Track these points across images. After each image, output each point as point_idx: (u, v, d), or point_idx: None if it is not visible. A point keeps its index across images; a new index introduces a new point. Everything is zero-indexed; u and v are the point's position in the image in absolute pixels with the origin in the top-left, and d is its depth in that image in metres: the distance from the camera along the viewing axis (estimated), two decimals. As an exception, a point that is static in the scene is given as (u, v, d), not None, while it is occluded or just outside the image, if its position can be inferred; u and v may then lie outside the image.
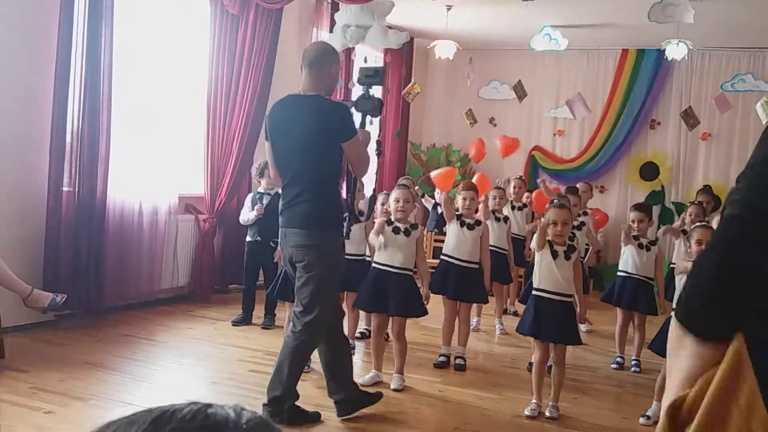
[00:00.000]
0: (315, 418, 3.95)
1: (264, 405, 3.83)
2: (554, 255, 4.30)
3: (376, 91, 4.15)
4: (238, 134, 6.86)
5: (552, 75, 10.12)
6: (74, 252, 5.53)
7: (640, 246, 5.36)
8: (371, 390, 4.30)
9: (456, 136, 10.49)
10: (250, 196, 6.08)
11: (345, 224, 4.06)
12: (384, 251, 4.67)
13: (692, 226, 4.68)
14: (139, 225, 6.09)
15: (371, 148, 4.08)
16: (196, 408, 0.67)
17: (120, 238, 5.92)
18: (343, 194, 4.30)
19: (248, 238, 6.04)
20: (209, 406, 0.68)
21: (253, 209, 5.92)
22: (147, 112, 6.08)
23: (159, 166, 6.23)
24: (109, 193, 5.75)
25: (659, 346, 4.30)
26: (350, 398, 4.02)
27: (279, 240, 3.98)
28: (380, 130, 4.07)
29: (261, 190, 5.99)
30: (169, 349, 5.25)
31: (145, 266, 6.19)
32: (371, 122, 4.08)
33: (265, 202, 5.90)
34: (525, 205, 7.01)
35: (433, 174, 7.98)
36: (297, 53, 7.96)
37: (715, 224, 5.04)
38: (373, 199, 4.38)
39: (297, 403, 3.91)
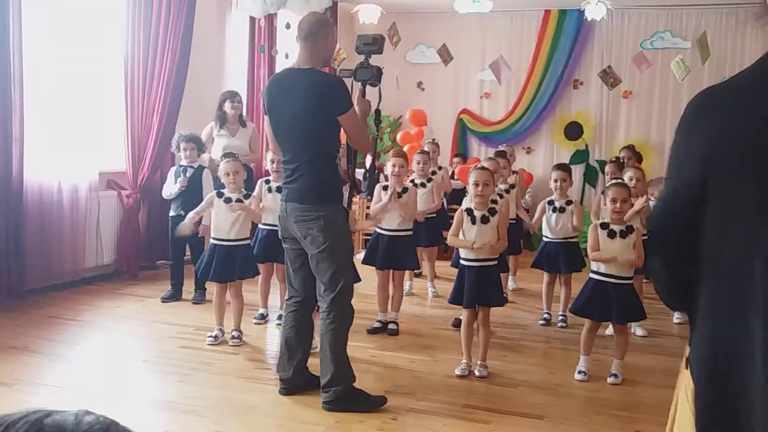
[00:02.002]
0: (378, 402, 3.83)
1: (321, 390, 3.80)
2: (473, 221, 4.37)
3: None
4: (159, 106, 6.68)
5: (477, 37, 10.15)
6: (-8, 234, 5.36)
7: (554, 209, 5.49)
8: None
9: (384, 101, 10.44)
10: (172, 169, 5.96)
11: (346, 196, 4.05)
12: None
13: (607, 185, 4.81)
14: (59, 204, 5.93)
15: (371, 119, 4.04)
16: (34, 418, 0.64)
17: (40, 218, 5.75)
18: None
19: (171, 213, 5.92)
20: (48, 414, 0.65)
21: (176, 182, 5.81)
22: (62, 89, 5.88)
23: (77, 143, 6.05)
24: (25, 173, 5.57)
25: (579, 308, 4.44)
26: (297, 381, 3.98)
27: (279, 214, 3.95)
28: (380, 99, 3.97)
29: (183, 163, 5.87)
30: (97, 329, 5.16)
31: (68, 245, 6.03)
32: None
33: (188, 174, 5.79)
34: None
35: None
36: (216, 21, 7.85)
37: (626, 178, 5.22)
38: (372, 168, 4.35)
39: (355, 384, 3.86)
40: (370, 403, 3.79)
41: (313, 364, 4.22)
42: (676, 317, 5.67)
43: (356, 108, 3.79)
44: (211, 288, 5.24)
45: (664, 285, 1.56)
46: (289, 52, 8.48)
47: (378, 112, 4.01)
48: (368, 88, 3.96)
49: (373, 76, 3.86)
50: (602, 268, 4.32)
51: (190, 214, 5.00)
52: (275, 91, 3.82)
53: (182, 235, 5.31)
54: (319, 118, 3.66)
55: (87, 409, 0.68)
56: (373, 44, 3.87)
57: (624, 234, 4.30)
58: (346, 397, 3.77)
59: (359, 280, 4.81)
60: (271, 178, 5.32)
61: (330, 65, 3.87)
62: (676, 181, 1.48)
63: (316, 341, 4.65)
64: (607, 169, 6.00)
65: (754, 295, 1.28)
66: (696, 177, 1.40)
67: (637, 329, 5.25)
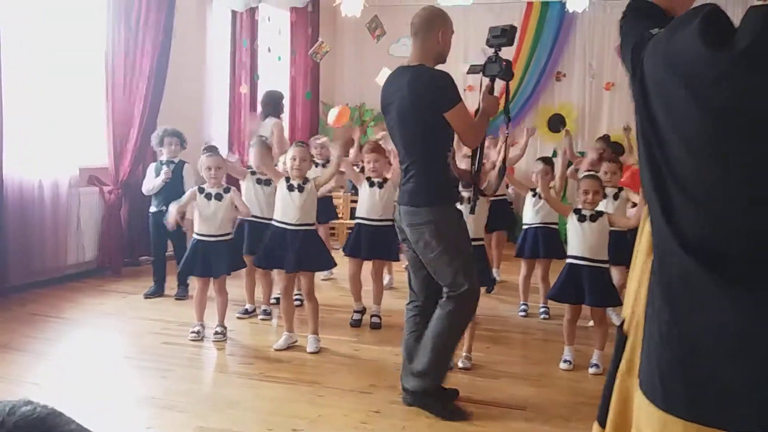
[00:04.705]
0: (458, 414, 3.66)
1: (410, 374, 3.70)
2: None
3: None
4: (140, 101, 6.64)
5: (460, 30, 10.07)
6: (-28, 232, 5.32)
7: (534, 194, 5.54)
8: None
9: (369, 95, 10.41)
10: (152, 165, 5.92)
11: (471, 198, 3.89)
12: (280, 210, 4.69)
13: (581, 176, 4.83)
14: (40, 200, 5.88)
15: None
16: None
17: (21, 215, 5.71)
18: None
19: (153, 209, 5.89)
20: None
21: (157, 177, 5.77)
22: (41, 83, 5.82)
23: (57, 138, 6.00)
24: (5, 169, 5.52)
25: (555, 293, 4.50)
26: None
27: (394, 216, 3.78)
28: (507, 96, 3.76)
29: (164, 158, 5.84)
30: (80, 326, 5.14)
31: (49, 242, 5.99)
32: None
33: (170, 168, 5.75)
34: None
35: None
36: (196, 12, 7.80)
37: (602, 172, 5.25)
38: (502, 171, 4.11)
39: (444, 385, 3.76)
40: (447, 410, 3.65)
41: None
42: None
43: (481, 104, 3.63)
44: (194, 284, 5.22)
45: None
46: (271, 46, 8.46)
47: (506, 108, 3.78)
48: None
49: (501, 70, 3.61)
50: (576, 252, 4.38)
51: (173, 208, 4.94)
52: (386, 91, 3.67)
53: (170, 229, 5.24)
54: (424, 115, 3.50)
55: (29, 399, 0.67)
56: (502, 36, 3.61)
57: (594, 218, 4.37)
58: (429, 394, 3.67)
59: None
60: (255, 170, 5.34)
61: (442, 61, 3.61)
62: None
63: (294, 336, 4.70)
64: (598, 145, 6.13)
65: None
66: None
67: (615, 318, 5.29)
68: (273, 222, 4.75)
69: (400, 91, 3.56)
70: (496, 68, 3.62)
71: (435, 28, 3.57)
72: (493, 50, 3.66)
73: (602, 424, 1.68)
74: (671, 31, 1.33)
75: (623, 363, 1.60)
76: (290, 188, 4.64)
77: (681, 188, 1.28)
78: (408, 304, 3.89)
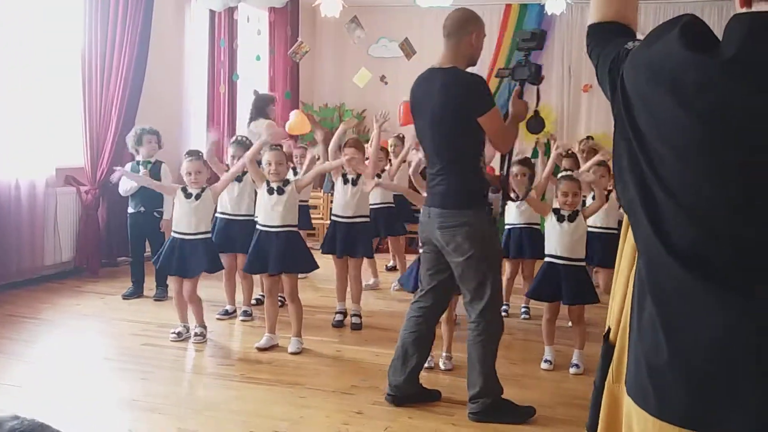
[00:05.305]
0: (527, 413, 3.69)
1: (468, 401, 3.67)
2: None
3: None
4: (117, 100, 6.57)
5: (440, 31, 10.13)
6: (-54, 233, 5.24)
7: (518, 196, 5.57)
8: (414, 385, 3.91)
9: (348, 95, 10.43)
10: (129, 165, 5.87)
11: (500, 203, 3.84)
12: (262, 214, 4.69)
13: (559, 176, 4.87)
14: (16, 200, 5.82)
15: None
16: None
17: (-3, 216, 5.65)
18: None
19: (130, 210, 5.85)
20: None
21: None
22: (17, 83, 5.75)
23: (33, 138, 5.93)
24: (-20, 170, 5.45)
25: (532, 291, 4.58)
26: (407, 391, 3.81)
27: (420, 219, 3.73)
28: (538, 100, 3.67)
29: (140, 159, 5.79)
30: (58, 327, 5.08)
31: (26, 243, 5.92)
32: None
33: (147, 168, 5.69)
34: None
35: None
36: (174, 13, 7.76)
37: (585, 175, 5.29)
38: (532, 175, 4.12)
39: (504, 396, 3.71)
40: (518, 414, 3.67)
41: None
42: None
43: (510, 109, 3.60)
44: (173, 285, 5.18)
45: None
46: (250, 46, 8.43)
47: (536, 113, 3.69)
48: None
49: (530, 74, 3.54)
50: (554, 251, 4.42)
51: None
52: (416, 92, 3.64)
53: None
54: (457, 119, 3.47)
55: (16, 413, 0.66)
56: (531, 40, 3.60)
57: (572, 218, 4.41)
58: (494, 408, 3.65)
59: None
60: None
61: (473, 63, 3.59)
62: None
63: (276, 338, 4.68)
64: (564, 164, 6.18)
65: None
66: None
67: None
68: (258, 227, 4.73)
69: (433, 94, 3.52)
70: (525, 72, 3.58)
71: (469, 30, 3.55)
72: (523, 54, 3.62)
73: None
74: (649, 41, 1.32)
75: (611, 373, 1.60)
76: (270, 191, 4.63)
77: (666, 192, 1.27)
78: (413, 303, 3.86)
